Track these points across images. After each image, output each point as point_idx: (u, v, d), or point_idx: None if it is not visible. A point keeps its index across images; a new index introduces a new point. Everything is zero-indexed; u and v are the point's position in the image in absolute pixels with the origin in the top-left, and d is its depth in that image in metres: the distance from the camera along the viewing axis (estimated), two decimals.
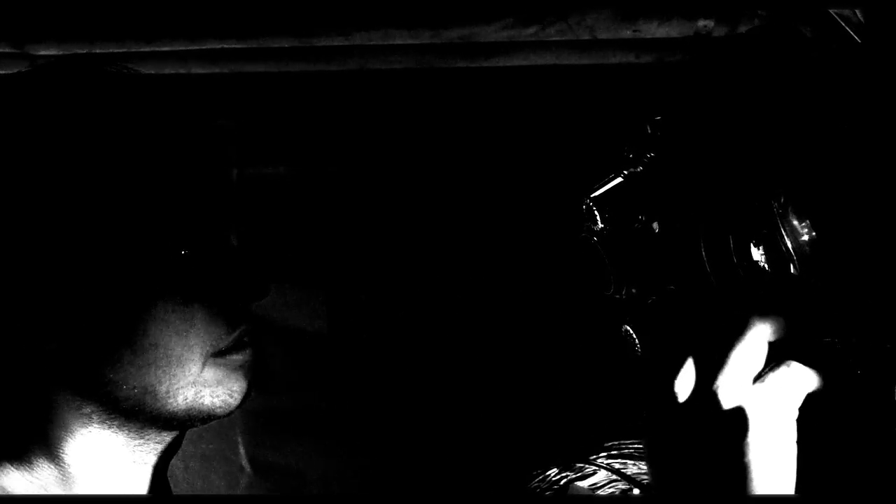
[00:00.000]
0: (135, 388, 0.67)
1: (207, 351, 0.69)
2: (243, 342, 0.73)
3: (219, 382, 0.70)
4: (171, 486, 0.87)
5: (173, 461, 0.95)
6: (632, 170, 0.70)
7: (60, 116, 0.67)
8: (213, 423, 1.28)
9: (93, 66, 0.71)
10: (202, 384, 0.69)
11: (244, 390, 0.72)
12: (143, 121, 0.69)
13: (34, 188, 0.65)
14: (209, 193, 0.71)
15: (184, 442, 0.77)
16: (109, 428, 0.69)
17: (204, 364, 0.69)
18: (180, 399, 0.68)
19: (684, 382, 0.59)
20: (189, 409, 0.69)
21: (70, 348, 0.66)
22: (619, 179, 0.71)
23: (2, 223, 0.65)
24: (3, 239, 0.65)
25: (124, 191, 0.66)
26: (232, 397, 0.71)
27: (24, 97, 0.69)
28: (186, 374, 0.68)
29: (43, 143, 0.66)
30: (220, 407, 0.71)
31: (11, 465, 0.69)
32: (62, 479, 0.69)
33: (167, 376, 0.67)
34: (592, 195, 0.72)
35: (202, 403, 0.70)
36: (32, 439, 0.69)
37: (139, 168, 0.67)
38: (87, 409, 0.68)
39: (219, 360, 0.70)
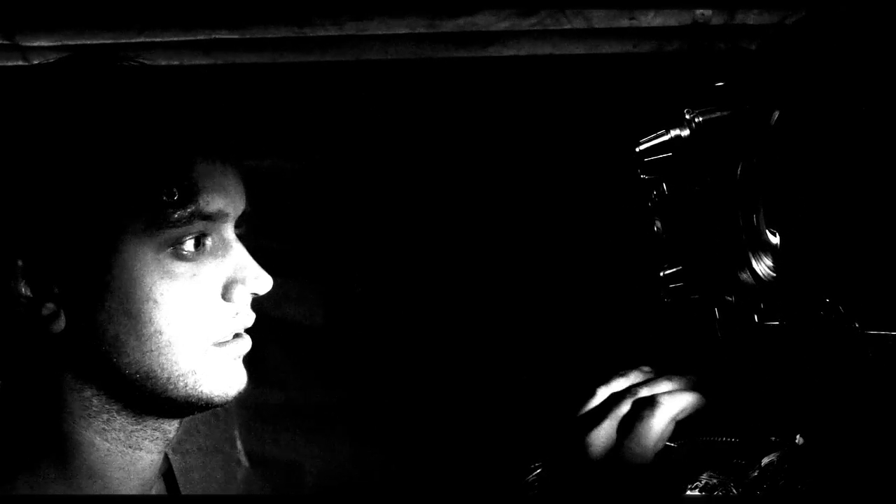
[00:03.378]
0: (137, 373, 0.69)
1: (209, 340, 0.72)
2: (243, 333, 0.76)
3: (218, 371, 0.73)
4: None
5: (172, 456, 0.96)
6: (678, 132, 0.73)
7: (72, 110, 0.69)
8: (210, 416, 1.29)
9: (100, 59, 0.75)
10: (202, 372, 0.72)
11: (242, 380, 0.76)
12: (154, 111, 0.72)
13: (37, 175, 0.67)
14: (218, 185, 0.73)
15: (181, 435, 0.78)
16: (108, 412, 0.71)
17: (205, 353, 0.72)
18: (180, 386, 0.71)
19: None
20: (188, 396, 0.72)
21: (76, 333, 0.68)
22: (666, 137, 0.74)
23: (15, 204, 0.67)
24: (19, 219, 0.67)
25: (126, 179, 0.68)
26: (230, 386, 0.74)
27: (39, 89, 0.72)
28: (187, 361, 0.71)
29: (60, 131, 0.68)
30: (217, 395, 0.74)
31: (11, 447, 0.71)
32: (59, 461, 0.71)
33: (169, 363, 0.70)
34: (639, 147, 0.76)
35: (200, 391, 0.72)
36: (35, 420, 0.71)
37: (142, 156, 0.69)
38: (88, 393, 0.70)
39: (218, 350, 0.73)
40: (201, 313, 0.71)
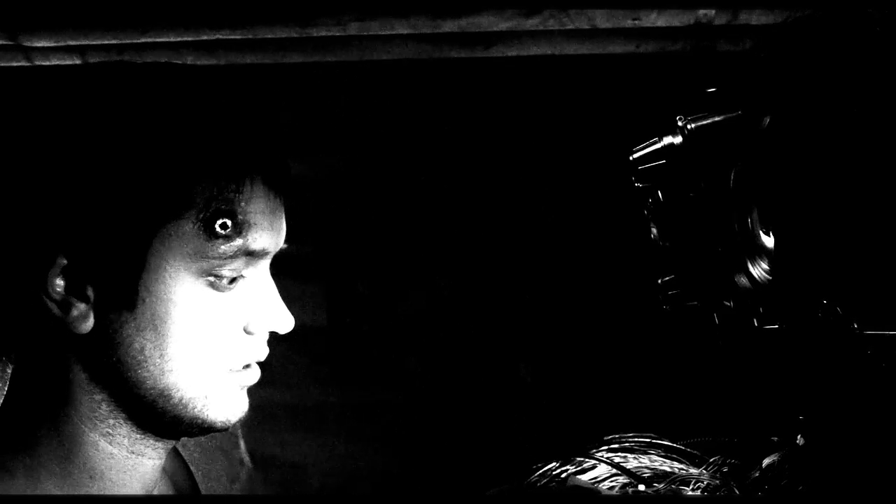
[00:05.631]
0: (152, 388, 0.70)
1: (224, 368, 0.73)
2: (253, 364, 0.77)
3: (225, 398, 0.74)
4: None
5: None
6: (670, 140, 0.73)
7: (150, 119, 0.69)
8: None
9: (139, 65, 0.75)
10: (211, 397, 0.73)
11: (244, 408, 0.77)
12: (227, 137, 0.71)
13: (98, 179, 0.67)
14: (268, 222, 0.73)
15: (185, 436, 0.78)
16: (115, 418, 0.72)
17: (218, 379, 0.73)
18: (189, 407, 0.72)
19: None
20: (193, 419, 0.73)
21: (100, 337, 0.69)
22: (659, 145, 0.75)
23: (70, 202, 0.67)
24: (71, 218, 0.67)
25: (185, 203, 0.68)
26: (233, 413, 0.75)
27: (75, 90, 0.72)
28: (201, 386, 0.72)
29: (132, 139, 0.68)
30: (220, 421, 0.74)
31: (13, 438, 0.72)
32: (61, 458, 0.71)
33: (184, 385, 0.71)
34: (632, 156, 0.77)
35: (206, 415, 0.73)
36: (42, 412, 0.72)
37: (207, 183, 0.69)
38: (98, 397, 0.71)
39: (229, 377, 0.74)
40: (223, 342, 0.72)
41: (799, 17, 0.61)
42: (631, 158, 0.76)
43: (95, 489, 0.72)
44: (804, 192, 0.60)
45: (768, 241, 0.66)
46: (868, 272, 0.56)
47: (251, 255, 0.72)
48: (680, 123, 0.71)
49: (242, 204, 0.70)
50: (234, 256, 0.70)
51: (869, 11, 0.56)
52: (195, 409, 0.72)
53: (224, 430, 0.75)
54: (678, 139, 0.72)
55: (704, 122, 0.70)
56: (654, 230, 0.78)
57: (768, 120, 0.64)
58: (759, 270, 0.67)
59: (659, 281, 0.79)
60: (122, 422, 0.72)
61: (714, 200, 0.71)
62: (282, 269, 0.80)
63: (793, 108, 0.62)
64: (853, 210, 0.56)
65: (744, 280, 0.69)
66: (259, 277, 0.75)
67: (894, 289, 0.55)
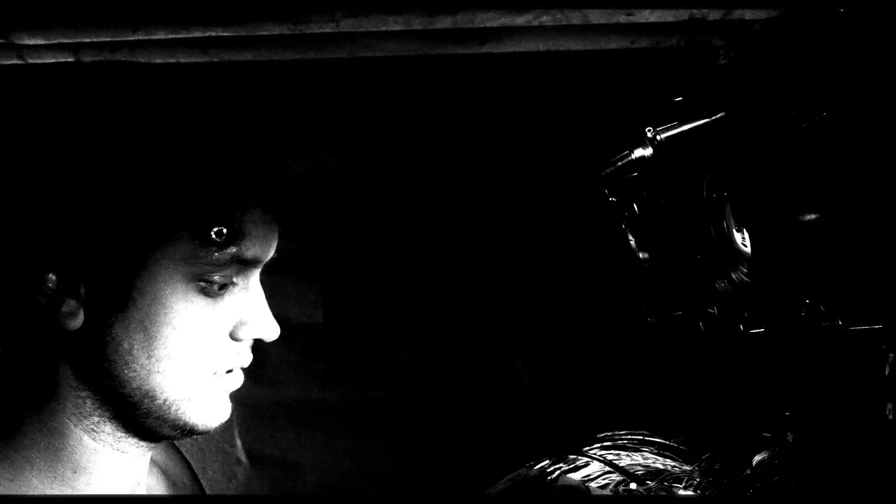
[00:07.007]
0: (138, 388, 0.71)
1: (208, 371, 0.74)
2: (236, 369, 0.78)
3: (208, 402, 0.75)
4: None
5: None
6: (641, 152, 0.74)
7: (150, 123, 0.70)
8: None
9: (132, 67, 0.77)
10: (195, 400, 0.74)
11: (227, 412, 0.78)
12: (229, 150, 0.73)
13: (100, 181, 0.68)
14: (261, 232, 0.74)
15: None
16: (100, 416, 0.72)
17: (201, 382, 0.74)
18: (173, 409, 0.73)
19: None
20: (175, 420, 0.73)
21: (89, 335, 0.69)
22: (630, 158, 0.75)
23: (71, 202, 0.68)
24: (71, 217, 0.68)
25: (183, 209, 0.69)
26: (215, 417, 0.76)
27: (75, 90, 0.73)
28: (185, 388, 0.72)
29: (134, 142, 0.69)
30: (202, 424, 0.75)
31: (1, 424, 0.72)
32: (45, 451, 0.72)
33: (169, 387, 0.72)
34: (605, 171, 0.78)
35: (188, 418, 0.74)
36: (27, 406, 0.72)
37: (205, 191, 0.70)
38: (84, 393, 0.71)
39: (213, 381, 0.75)
40: (209, 347, 0.73)
41: (763, 20, 0.62)
42: (603, 173, 0.76)
43: (79, 483, 0.73)
44: (778, 193, 0.60)
45: (746, 244, 0.66)
46: (849, 269, 0.56)
47: (243, 263, 0.73)
48: (649, 135, 0.71)
49: (238, 213, 0.71)
50: (226, 264, 0.71)
51: (832, 14, 0.56)
52: (178, 411, 0.73)
53: (205, 433, 0.76)
54: (648, 151, 0.72)
55: (673, 132, 0.70)
56: (632, 242, 0.78)
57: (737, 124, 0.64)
58: (739, 275, 0.67)
59: (641, 293, 0.79)
60: (106, 420, 0.72)
61: (689, 209, 0.71)
62: (278, 266, 0.80)
63: (760, 110, 0.62)
64: (830, 208, 0.56)
65: (725, 285, 0.69)
66: (249, 285, 0.76)
67: (876, 284, 0.54)
